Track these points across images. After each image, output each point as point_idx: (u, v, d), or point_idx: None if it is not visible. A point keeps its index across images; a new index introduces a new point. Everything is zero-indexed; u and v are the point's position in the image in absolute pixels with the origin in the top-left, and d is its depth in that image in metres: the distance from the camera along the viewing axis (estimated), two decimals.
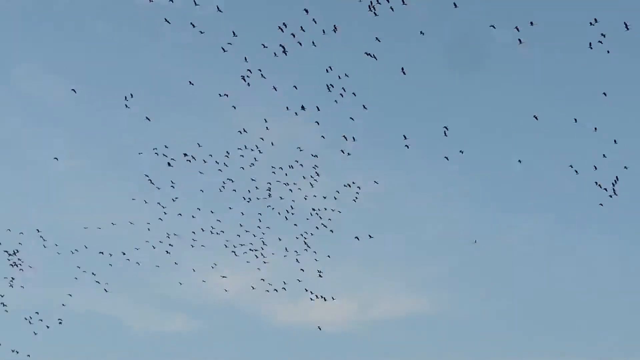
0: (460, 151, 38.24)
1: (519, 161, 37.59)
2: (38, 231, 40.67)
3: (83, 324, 46.81)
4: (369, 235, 41.16)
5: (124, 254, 42.39)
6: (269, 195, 40.73)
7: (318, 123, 37.51)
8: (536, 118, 34.80)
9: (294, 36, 34.11)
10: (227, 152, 39.57)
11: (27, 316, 41.06)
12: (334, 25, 33.61)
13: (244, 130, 38.71)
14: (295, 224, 41.33)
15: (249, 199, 40.98)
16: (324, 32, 33.99)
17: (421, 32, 33.98)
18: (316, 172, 39.79)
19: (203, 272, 45.99)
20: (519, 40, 31.83)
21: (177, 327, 52.94)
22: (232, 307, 53.77)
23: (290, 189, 40.64)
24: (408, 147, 36.97)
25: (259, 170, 40.14)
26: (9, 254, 39.86)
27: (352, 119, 38.42)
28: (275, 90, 37.31)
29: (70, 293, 42.49)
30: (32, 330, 40.94)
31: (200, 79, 48.34)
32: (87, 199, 50.24)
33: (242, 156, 39.83)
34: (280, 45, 34.78)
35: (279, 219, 41.18)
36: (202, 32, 35.45)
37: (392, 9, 32.88)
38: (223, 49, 35.37)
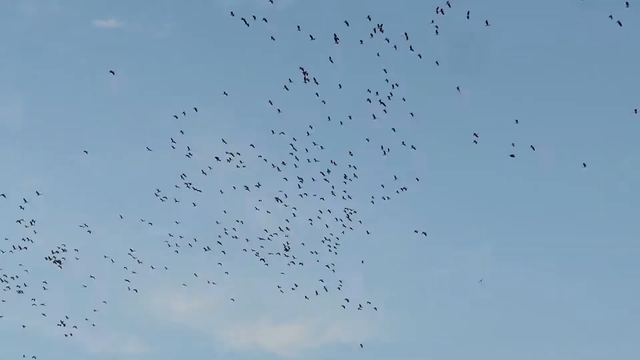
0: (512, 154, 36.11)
1: (584, 164, 36.24)
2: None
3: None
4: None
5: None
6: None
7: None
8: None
9: (378, 33, 31.67)
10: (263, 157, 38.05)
11: None
12: (406, 34, 32.09)
13: (282, 132, 37.48)
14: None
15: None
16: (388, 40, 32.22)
17: (487, 22, 32.78)
18: (354, 175, 37.76)
19: (161, 295, 46.52)
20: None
21: (131, 350, 50.74)
22: (188, 331, 52.26)
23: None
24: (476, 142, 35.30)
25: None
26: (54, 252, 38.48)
27: (393, 129, 36.50)
28: (319, 97, 35.75)
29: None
30: None
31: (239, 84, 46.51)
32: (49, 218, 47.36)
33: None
34: (334, 35, 33.10)
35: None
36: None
37: (468, 16, 30.81)
38: (273, 38, 34.27)
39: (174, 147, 38.05)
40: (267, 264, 39.91)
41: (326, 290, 40.03)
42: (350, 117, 35.77)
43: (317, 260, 39.52)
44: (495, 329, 51.97)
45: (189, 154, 37.98)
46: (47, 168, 53.08)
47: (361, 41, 32.48)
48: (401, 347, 50.72)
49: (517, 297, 53.17)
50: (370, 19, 32.10)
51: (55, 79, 55.51)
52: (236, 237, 39.37)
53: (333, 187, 37.86)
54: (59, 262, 38.45)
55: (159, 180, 39.79)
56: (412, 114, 35.58)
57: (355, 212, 38.68)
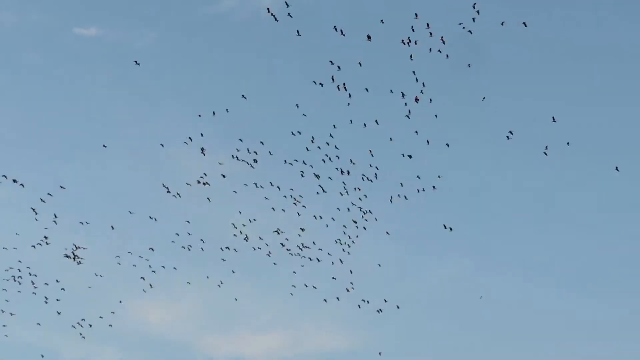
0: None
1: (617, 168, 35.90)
2: None
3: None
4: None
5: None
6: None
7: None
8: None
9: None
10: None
11: None
12: (442, 38, 31.43)
13: (299, 132, 36.92)
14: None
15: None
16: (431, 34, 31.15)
17: (524, 23, 31.90)
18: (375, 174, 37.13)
19: (136, 303, 45.58)
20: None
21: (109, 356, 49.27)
22: (165, 340, 51.26)
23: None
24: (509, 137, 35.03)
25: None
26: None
27: (416, 132, 35.99)
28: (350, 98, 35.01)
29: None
30: None
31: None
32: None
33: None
34: (368, 35, 32.52)
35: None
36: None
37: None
38: (298, 32, 33.38)
39: (186, 144, 37.36)
40: (274, 263, 39.38)
41: (347, 291, 39.50)
42: (377, 122, 35.19)
43: (332, 262, 38.94)
44: (496, 330, 52.12)
45: (202, 150, 37.30)
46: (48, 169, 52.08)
47: (403, 42, 31.82)
48: (400, 351, 50.48)
49: (515, 301, 53.40)
50: (417, 16, 31.44)
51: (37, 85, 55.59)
52: (247, 239, 38.66)
53: (354, 188, 37.36)
54: (77, 256, 37.56)
55: (168, 180, 39.01)
56: (436, 115, 35.27)
57: (370, 211, 38.13)
